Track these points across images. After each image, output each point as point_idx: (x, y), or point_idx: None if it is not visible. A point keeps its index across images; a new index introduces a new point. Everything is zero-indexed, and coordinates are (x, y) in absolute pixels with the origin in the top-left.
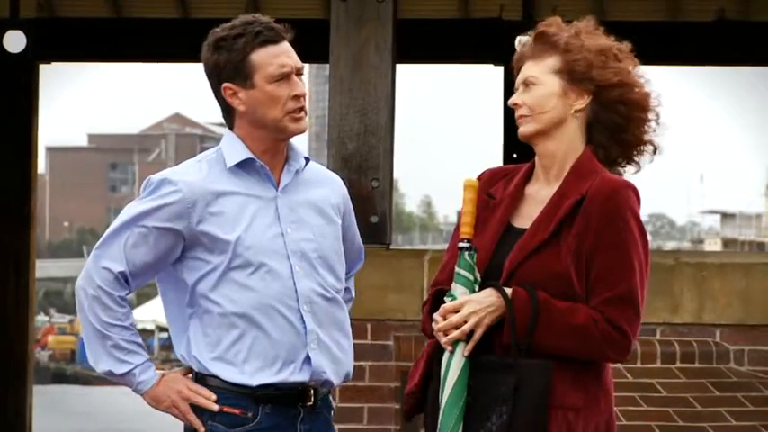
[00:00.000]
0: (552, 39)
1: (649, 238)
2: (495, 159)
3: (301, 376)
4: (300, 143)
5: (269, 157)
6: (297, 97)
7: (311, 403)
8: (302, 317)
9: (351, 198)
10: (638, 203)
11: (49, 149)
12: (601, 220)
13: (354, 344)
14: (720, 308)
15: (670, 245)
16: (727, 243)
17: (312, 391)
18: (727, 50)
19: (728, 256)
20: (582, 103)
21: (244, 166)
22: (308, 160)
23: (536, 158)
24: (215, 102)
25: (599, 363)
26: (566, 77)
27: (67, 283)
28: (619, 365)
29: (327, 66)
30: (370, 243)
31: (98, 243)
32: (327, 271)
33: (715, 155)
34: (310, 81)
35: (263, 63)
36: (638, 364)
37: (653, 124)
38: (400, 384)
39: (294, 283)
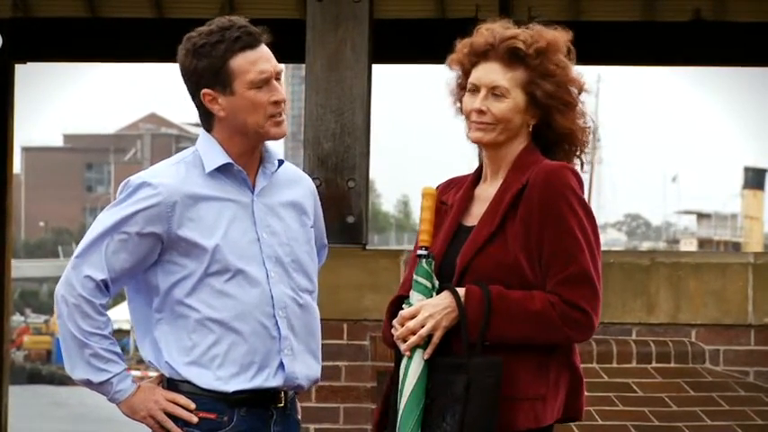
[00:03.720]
0: (523, 54)
1: (598, 218)
2: (471, 159)
3: (275, 382)
4: (277, 143)
5: (245, 160)
6: (277, 103)
7: (282, 405)
8: (277, 323)
9: (327, 198)
10: (579, 183)
11: (25, 149)
12: (542, 205)
13: (330, 344)
14: (696, 308)
15: (645, 245)
16: (702, 243)
17: (283, 393)
18: (702, 50)
19: (704, 256)
20: (535, 120)
21: (221, 170)
22: (281, 162)
23: (485, 161)
24: (191, 102)
25: (565, 346)
26: (528, 95)
27: (43, 284)
28: (595, 365)
29: (303, 66)
30: (346, 243)
31: (78, 250)
32: (300, 274)
33: (690, 155)
34: (287, 81)
35: (243, 69)
36: (614, 364)
37: (587, 137)
38: (376, 384)
39: (270, 288)
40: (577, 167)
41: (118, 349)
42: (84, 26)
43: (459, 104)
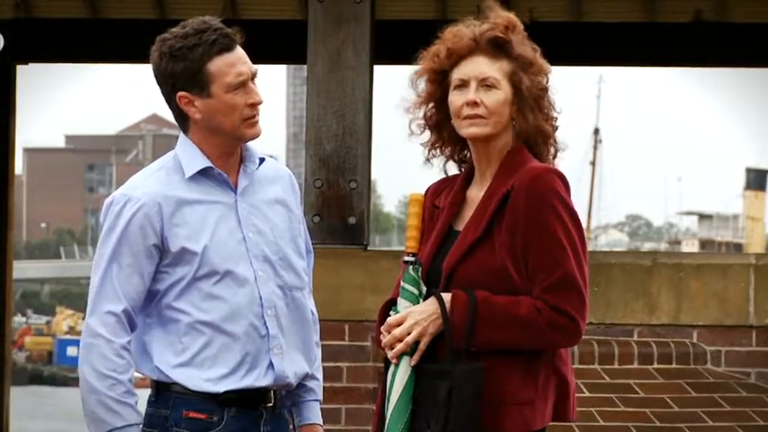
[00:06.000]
0: (509, 46)
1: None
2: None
3: (265, 381)
4: (278, 144)
5: (224, 161)
6: (253, 105)
7: (272, 405)
8: (265, 322)
9: (329, 199)
10: (565, 186)
11: (27, 150)
12: (527, 210)
13: (332, 345)
14: (697, 309)
15: (647, 246)
16: (704, 244)
17: (272, 392)
18: (703, 51)
19: (706, 257)
20: (514, 114)
21: (202, 173)
22: (262, 160)
23: (474, 160)
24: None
25: (552, 351)
26: (513, 87)
27: (44, 284)
28: (596, 366)
29: (305, 67)
30: (347, 244)
31: (91, 292)
32: (288, 270)
33: (692, 156)
34: (287, 82)
35: (221, 72)
36: (616, 365)
37: (555, 128)
38: (378, 385)
39: (258, 288)
40: (555, 163)
41: (130, 400)
42: (85, 27)
43: (422, 115)
